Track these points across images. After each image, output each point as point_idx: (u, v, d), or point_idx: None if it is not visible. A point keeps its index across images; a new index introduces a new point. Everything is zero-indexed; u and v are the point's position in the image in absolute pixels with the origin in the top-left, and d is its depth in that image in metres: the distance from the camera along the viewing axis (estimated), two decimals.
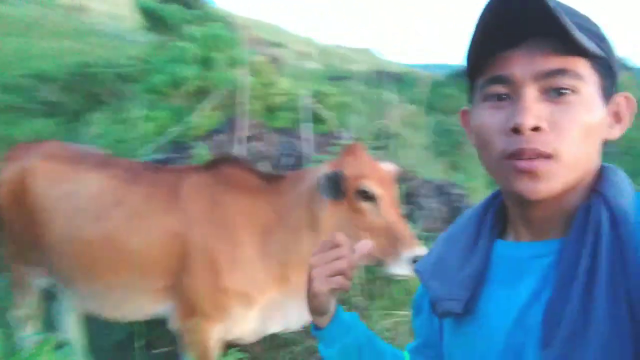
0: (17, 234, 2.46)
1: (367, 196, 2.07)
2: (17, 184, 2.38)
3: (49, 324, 2.88)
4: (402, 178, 3.99)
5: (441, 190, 3.87)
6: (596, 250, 0.67)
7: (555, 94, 0.70)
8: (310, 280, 0.94)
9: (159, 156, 3.74)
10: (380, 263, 2.12)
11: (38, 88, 12.48)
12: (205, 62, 8.56)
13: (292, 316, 2.31)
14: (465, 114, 0.87)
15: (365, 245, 0.95)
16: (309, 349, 2.75)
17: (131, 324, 2.60)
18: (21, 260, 2.52)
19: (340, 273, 0.91)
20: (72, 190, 2.29)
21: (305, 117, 3.96)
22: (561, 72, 0.69)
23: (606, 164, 0.79)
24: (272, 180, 2.31)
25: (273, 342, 2.77)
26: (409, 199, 3.64)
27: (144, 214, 2.22)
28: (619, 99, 0.77)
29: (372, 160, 2.20)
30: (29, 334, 2.62)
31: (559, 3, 0.73)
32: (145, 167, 2.42)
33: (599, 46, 0.71)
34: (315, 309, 0.96)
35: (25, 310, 2.65)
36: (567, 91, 0.70)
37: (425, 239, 2.65)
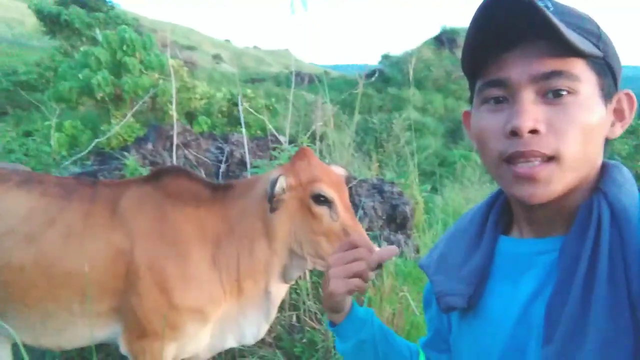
0: None
1: (322, 200, 2.03)
2: None
3: None
4: None
5: (378, 189, 3.91)
6: (597, 247, 0.67)
7: (552, 95, 0.70)
8: (327, 280, 0.92)
9: (80, 169, 3.47)
10: None
11: None
12: (116, 67, 8.15)
13: (248, 329, 2.22)
14: (467, 115, 0.87)
15: (392, 250, 0.93)
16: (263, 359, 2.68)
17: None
18: None
19: (358, 275, 0.90)
20: None
21: (237, 121, 3.86)
22: (557, 73, 0.69)
23: (610, 162, 0.78)
24: (219, 189, 2.20)
25: (227, 355, 2.66)
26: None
27: (82, 232, 2.03)
28: (620, 96, 0.77)
29: (323, 164, 2.16)
30: None
31: (556, 4, 0.73)
32: (79, 182, 2.21)
33: (595, 45, 0.71)
34: (331, 308, 0.95)
35: None
36: (564, 92, 0.69)
37: (371, 240, 2.67)
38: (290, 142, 4.38)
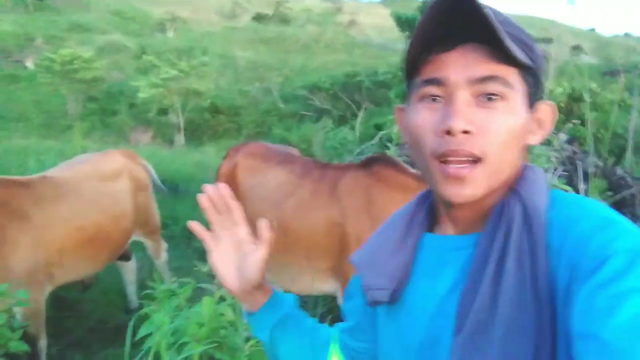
0: None
1: None
2: (228, 177, 3.03)
3: None
4: (619, 185, 3.52)
5: None
6: (506, 242, 0.70)
7: (484, 98, 0.73)
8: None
9: (361, 157, 4.12)
10: None
11: (311, 97, 14.47)
12: None
13: None
14: (399, 111, 0.89)
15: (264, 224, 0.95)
16: None
17: (331, 300, 2.95)
18: None
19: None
20: (260, 181, 2.81)
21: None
22: (492, 78, 0.72)
23: (527, 164, 0.80)
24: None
25: None
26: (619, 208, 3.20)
27: (310, 204, 2.58)
28: (543, 106, 0.79)
29: None
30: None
31: (496, 12, 0.74)
32: (316, 164, 2.79)
33: (528, 57, 0.73)
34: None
35: None
36: (496, 97, 0.72)
37: None
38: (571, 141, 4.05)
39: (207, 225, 1.00)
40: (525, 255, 0.69)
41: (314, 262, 2.61)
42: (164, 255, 4.11)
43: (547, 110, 0.80)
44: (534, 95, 0.77)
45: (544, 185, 0.77)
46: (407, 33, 14.88)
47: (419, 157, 0.81)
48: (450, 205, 0.79)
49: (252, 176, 2.89)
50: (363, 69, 15.01)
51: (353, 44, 20.44)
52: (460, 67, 0.73)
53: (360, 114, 11.54)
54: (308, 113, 14.07)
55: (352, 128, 9.18)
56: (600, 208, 0.69)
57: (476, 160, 0.73)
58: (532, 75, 0.75)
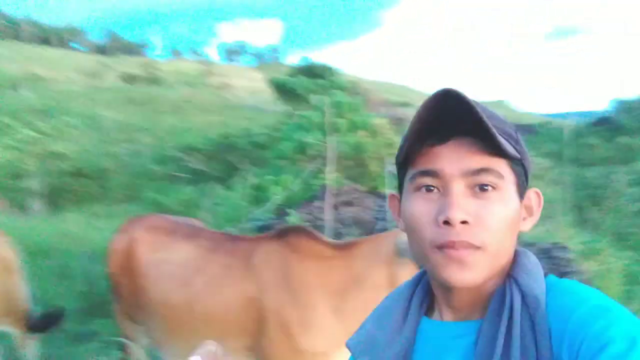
0: (125, 296, 2.82)
1: None
2: (125, 253, 2.77)
3: None
4: None
5: (546, 254, 3.62)
6: (509, 331, 0.72)
7: (478, 189, 0.76)
8: None
9: (259, 222, 4.03)
10: None
11: (186, 159, 14.11)
12: (328, 128, 9.05)
13: None
14: (393, 198, 0.92)
15: None
16: None
17: None
18: (129, 318, 2.88)
19: None
20: (164, 258, 2.61)
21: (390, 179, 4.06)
22: (485, 171, 0.76)
23: (519, 249, 0.83)
24: (341, 247, 2.41)
25: None
26: None
27: (223, 280, 2.44)
28: (531, 194, 0.84)
29: None
30: None
31: (483, 107, 0.78)
32: (225, 237, 2.67)
33: (515, 149, 0.78)
34: None
35: None
36: (489, 188, 0.76)
37: None
38: None
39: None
40: (529, 342, 0.70)
41: (228, 342, 2.43)
42: (31, 343, 3.59)
43: (533, 197, 0.85)
44: (523, 184, 0.81)
45: (539, 272, 0.80)
46: (278, 95, 15.37)
47: (417, 246, 0.82)
48: (449, 290, 0.80)
49: (154, 252, 2.66)
50: (237, 130, 15.09)
51: (226, 105, 20.57)
52: (454, 159, 0.77)
53: (240, 176, 11.48)
54: (183, 175, 13.65)
55: (229, 189, 9.06)
56: (593, 294, 0.73)
57: (477, 248, 0.75)
58: (519, 165, 0.80)
